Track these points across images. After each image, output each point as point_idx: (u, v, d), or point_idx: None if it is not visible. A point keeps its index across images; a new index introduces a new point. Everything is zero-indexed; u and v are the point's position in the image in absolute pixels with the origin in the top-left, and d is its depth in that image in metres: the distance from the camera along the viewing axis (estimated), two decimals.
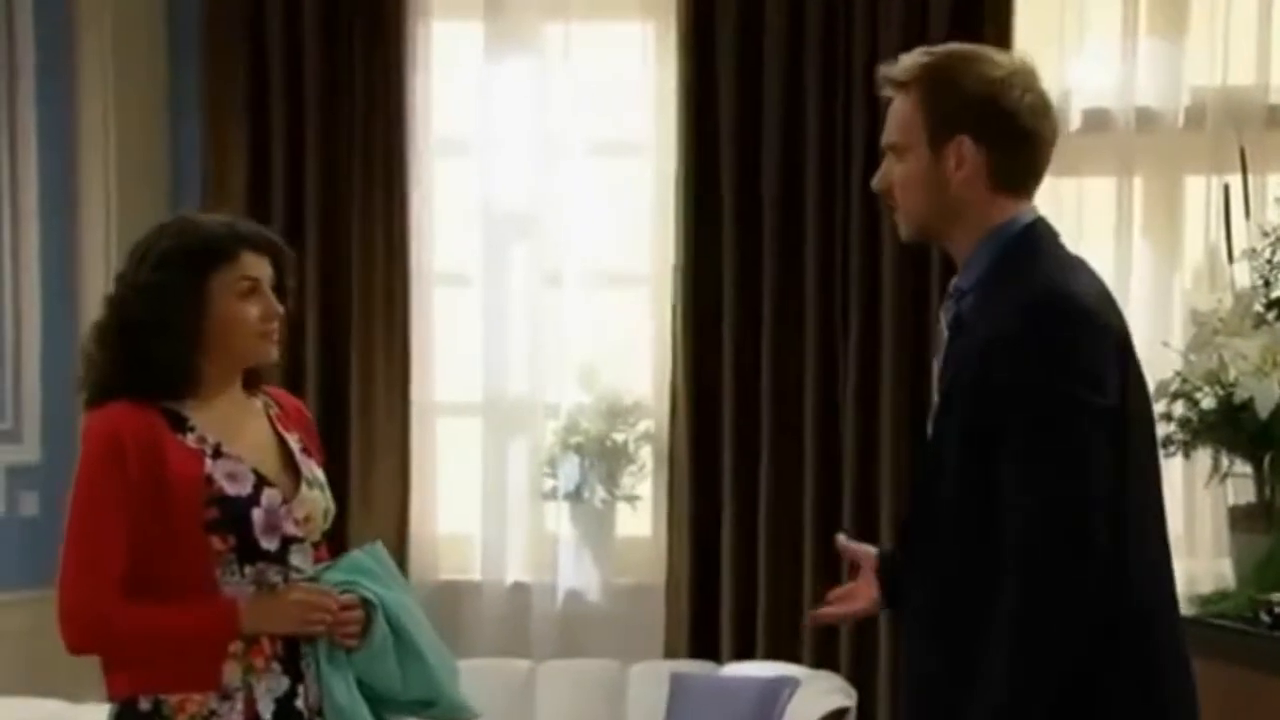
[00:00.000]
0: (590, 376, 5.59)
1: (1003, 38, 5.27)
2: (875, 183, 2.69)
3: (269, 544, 2.94)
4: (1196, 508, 5.21)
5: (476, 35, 5.61)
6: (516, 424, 5.61)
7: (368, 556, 3.03)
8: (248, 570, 2.93)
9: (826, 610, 2.86)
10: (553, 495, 5.58)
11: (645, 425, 5.59)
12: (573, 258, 5.61)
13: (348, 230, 5.59)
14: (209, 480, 2.91)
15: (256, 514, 2.93)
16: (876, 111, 5.26)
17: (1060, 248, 2.62)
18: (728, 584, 5.42)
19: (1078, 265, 2.60)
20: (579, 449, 5.53)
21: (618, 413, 5.55)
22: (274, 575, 2.95)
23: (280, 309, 3.02)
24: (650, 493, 5.59)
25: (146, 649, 2.90)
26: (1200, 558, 5.19)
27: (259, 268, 3.01)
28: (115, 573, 2.86)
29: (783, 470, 5.40)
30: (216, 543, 2.90)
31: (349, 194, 5.59)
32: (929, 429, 2.62)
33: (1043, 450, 2.42)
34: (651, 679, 5.26)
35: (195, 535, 2.89)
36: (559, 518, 5.59)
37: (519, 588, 5.58)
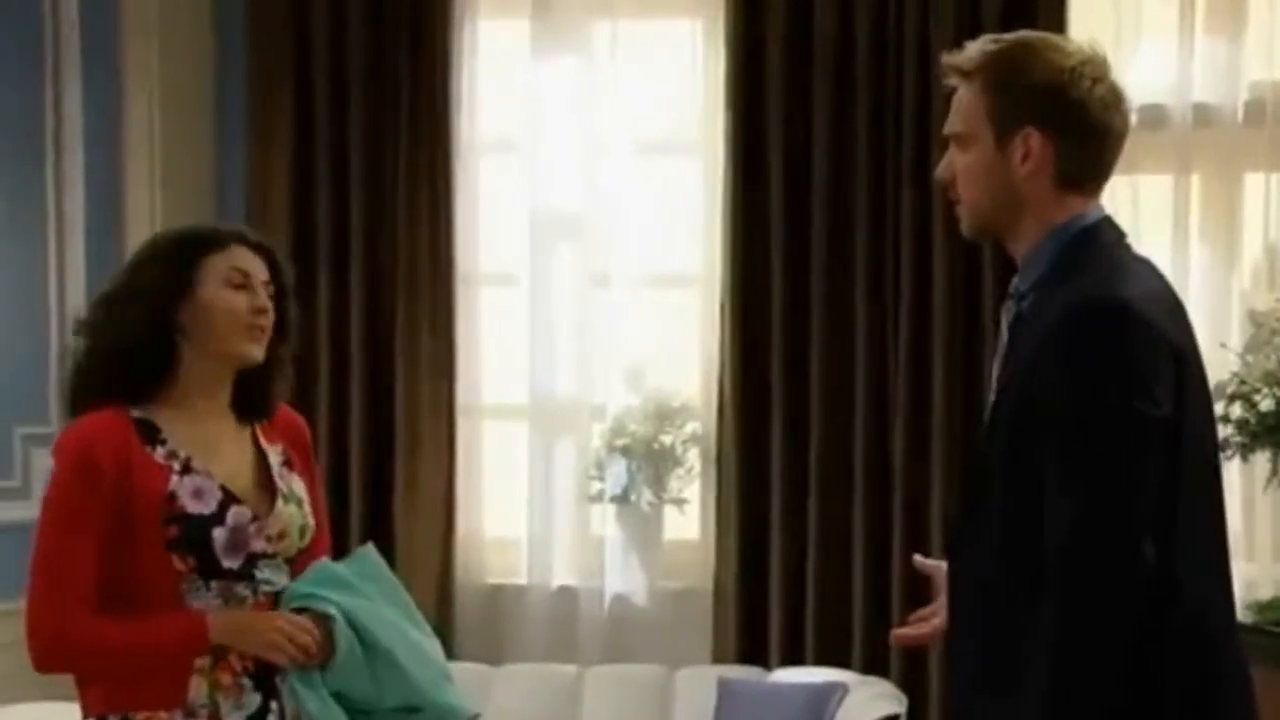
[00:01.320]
0: (637, 378, 5.54)
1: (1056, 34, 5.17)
2: (938, 173, 2.60)
3: (231, 562, 2.85)
4: (1256, 511, 5.11)
5: (523, 33, 5.57)
6: (563, 426, 5.56)
7: (345, 565, 2.96)
8: (213, 585, 2.85)
9: (906, 631, 2.76)
10: (599, 498, 5.52)
11: (693, 427, 5.53)
12: (620, 258, 5.56)
13: (393, 231, 5.55)
14: (171, 497, 2.83)
15: (219, 533, 2.84)
16: (928, 110, 5.21)
17: (1124, 250, 2.53)
18: (776, 588, 5.35)
19: (1140, 269, 2.51)
20: (626, 451, 5.48)
21: (665, 414, 5.50)
22: (242, 589, 2.87)
23: (268, 305, 2.92)
24: (698, 495, 5.53)
25: (112, 665, 2.83)
26: (1259, 562, 5.10)
27: (252, 264, 2.94)
28: (83, 590, 2.79)
29: (832, 472, 5.33)
30: (176, 562, 2.82)
31: (394, 194, 5.55)
32: (983, 435, 2.55)
33: (1085, 461, 2.33)
34: (699, 684, 5.20)
35: (157, 552, 2.81)
36: (605, 521, 5.54)
37: (565, 591, 5.54)
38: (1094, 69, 2.50)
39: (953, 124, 2.56)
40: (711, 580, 5.45)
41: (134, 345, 2.86)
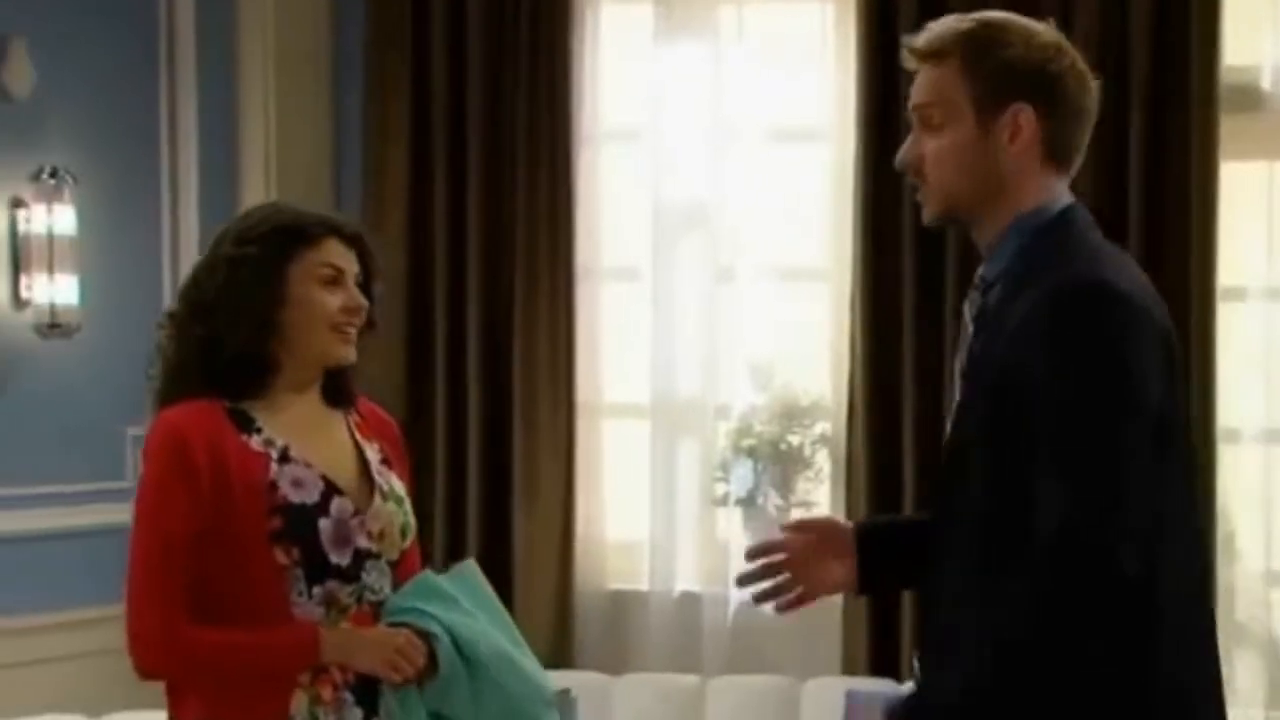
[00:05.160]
0: (764, 376, 5.38)
1: (1210, 15, 4.97)
2: (901, 156, 2.50)
3: (339, 558, 2.73)
4: None
5: (646, 18, 5.42)
6: (686, 426, 5.40)
7: (447, 579, 2.84)
8: (315, 590, 2.72)
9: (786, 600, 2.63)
10: (724, 501, 5.38)
11: (822, 427, 5.36)
12: (746, 251, 5.39)
13: (511, 223, 5.42)
14: (273, 486, 2.70)
15: (324, 524, 2.73)
16: None
17: (1098, 235, 2.44)
18: (909, 595, 5.12)
19: (1117, 256, 2.45)
20: (752, 452, 5.34)
21: (793, 414, 5.35)
22: (346, 596, 2.75)
23: (363, 302, 2.82)
24: (827, 499, 5.35)
25: (218, 672, 2.70)
26: None
27: (344, 258, 2.82)
28: (186, 591, 2.66)
29: None
30: (280, 555, 2.69)
31: (513, 185, 5.42)
32: (947, 430, 2.47)
33: (1077, 447, 2.23)
34: (827, 696, 5.03)
35: (260, 547, 2.68)
36: (730, 524, 5.37)
37: (688, 598, 5.37)
38: (1066, 48, 2.48)
39: (921, 104, 2.48)
40: None
41: (234, 351, 2.76)
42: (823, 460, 5.36)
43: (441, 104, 5.45)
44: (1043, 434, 2.26)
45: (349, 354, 2.82)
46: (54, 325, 4.91)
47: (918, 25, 5.39)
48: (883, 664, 5.18)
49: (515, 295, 5.40)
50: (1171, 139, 5.00)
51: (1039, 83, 2.42)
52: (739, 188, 5.39)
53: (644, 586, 5.41)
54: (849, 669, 5.21)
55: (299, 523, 2.71)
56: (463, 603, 2.81)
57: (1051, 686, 2.24)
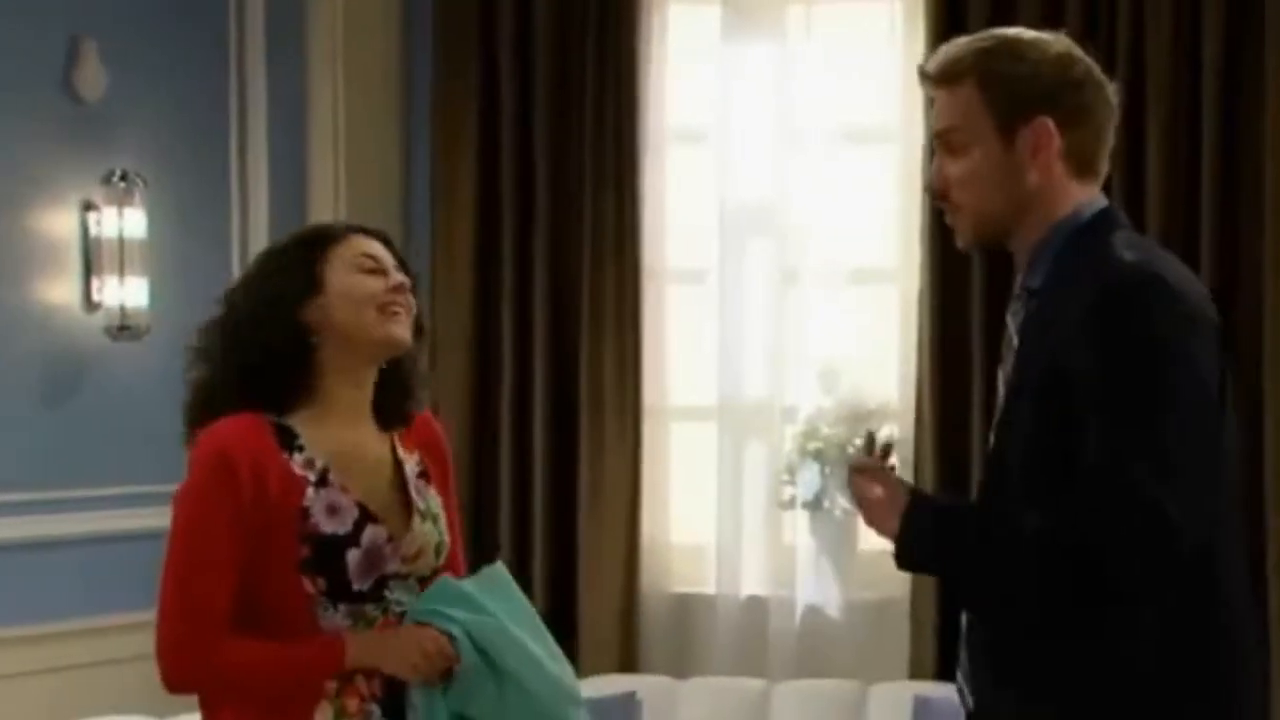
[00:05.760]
0: (831, 378, 5.32)
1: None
2: (928, 183, 2.50)
3: (361, 585, 2.69)
4: None
5: (713, 18, 5.39)
6: (753, 429, 5.36)
7: (470, 581, 2.80)
8: (341, 606, 2.69)
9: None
10: (791, 504, 5.33)
11: (889, 430, 5.24)
12: (814, 252, 5.35)
13: (578, 224, 5.41)
14: (305, 513, 2.66)
15: (352, 555, 2.68)
16: (1130, 93, 4.93)
17: (1137, 235, 2.45)
18: None
19: (1161, 252, 2.42)
20: (819, 455, 5.27)
21: (860, 417, 5.26)
22: (372, 610, 2.71)
23: (406, 282, 2.76)
24: None
25: (245, 686, 2.68)
26: None
27: (379, 250, 2.77)
28: (217, 606, 2.63)
29: None
30: (306, 583, 2.66)
31: (580, 186, 5.41)
32: (991, 440, 2.44)
33: (1129, 449, 2.22)
34: (894, 701, 4.99)
35: (288, 572, 2.65)
36: (797, 528, 5.33)
37: (755, 602, 5.34)
38: (1079, 55, 2.47)
39: (943, 128, 2.48)
40: (908, 591, 5.19)
41: (269, 359, 2.70)
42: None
43: (509, 106, 5.45)
44: (1093, 421, 2.25)
45: (402, 332, 2.74)
46: (123, 328, 4.94)
47: (988, 24, 5.39)
48: (950, 669, 5.04)
49: (582, 298, 5.39)
50: (1245, 136, 4.95)
51: (1057, 94, 2.43)
52: (806, 188, 5.35)
53: (710, 590, 5.38)
54: (916, 674, 5.16)
55: (327, 554, 2.67)
56: (485, 604, 2.77)
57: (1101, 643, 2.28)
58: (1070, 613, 2.31)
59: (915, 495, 2.44)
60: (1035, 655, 2.37)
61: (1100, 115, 2.47)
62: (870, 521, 2.48)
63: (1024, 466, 2.34)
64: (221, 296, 2.82)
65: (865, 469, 2.51)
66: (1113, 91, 2.49)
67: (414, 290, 2.80)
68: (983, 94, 2.43)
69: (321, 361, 2.73)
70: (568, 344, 5.41)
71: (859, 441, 2.55)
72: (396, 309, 2.74)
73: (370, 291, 2.73)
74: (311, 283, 2.72)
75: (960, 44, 2.48)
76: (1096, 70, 2.48)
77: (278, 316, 2.71)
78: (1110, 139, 2.50)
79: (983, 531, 2.37)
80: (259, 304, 2.73)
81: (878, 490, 2.46)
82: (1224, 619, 2.35)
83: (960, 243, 2.51)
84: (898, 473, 2.56)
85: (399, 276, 2.76)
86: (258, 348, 2.71)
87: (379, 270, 2.75)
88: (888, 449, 2.57)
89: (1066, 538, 2.26)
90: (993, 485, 2.42)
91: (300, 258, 2.74)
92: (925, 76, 2.49)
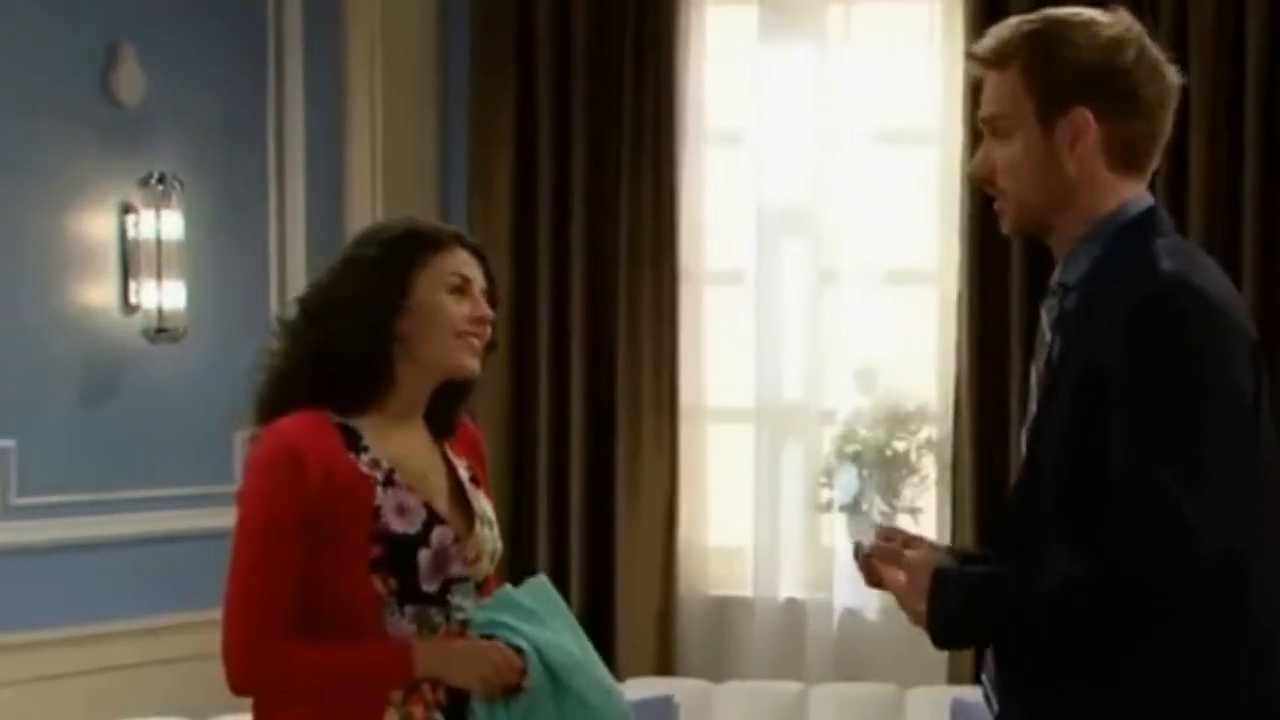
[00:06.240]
0: (869, 380, 5.29)
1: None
2: (973, 169, 2.44)
3: (430, 586, 2.68)
4: None
5: (750, 18, 5.36)
6: (790, 430, 5.33)
7: (524, 592, 2.79)
8: (407, 609, 2.67)
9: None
10: (828, 507, 5.29)
11: (928, 432, 5.26)
12: (851, 253, 5.32)
13: (615, 225, 5.39)
14: (377, 512, 2.64)
15: (423, 555, 2.67)
16: (1190, 95, 4.86)
17: (1179, 239, 2.37)
18: None
19: (1201, 259, 2.35)
20: (857, 458, 5.24)
21: (898, 419, 5.25)
22: (436, 616, 2.70)
23: (490, 314, 2.74)
24: (933, 505, 5.27)
25: (311, 690, 2.66)
26: None
27: (472, 269, 2.75)
28: (283, 607, 2.62)
29: None
30: (378, 583, 2.64)
31: (617, 187, 5.39)
32: (1023, 441, 2.40)
33: (1156, 453, 2.17)
34: (932, 705, 4.95)
35: (359, 573, 2.63)
36: (835, 530, 5.30)
37: (792, 605, 5.31)
38: (1134, 39, 2.36)
39: (988, 112, 2.41)
40: None
41: (348, 355, 2.68)
42: (928, 466, 5.27)
43: (546, 108, 5.43)
44: (1120, 422, 2.21)
45: (474, 364, 2.74)
46: (161, 330, 4.95)
47: None
48: None
49: (619, 299, 5.37)
50: None
51: (1099, 83, 2.33)
52: (844, 189, 5.32)
53: (747, 593, 5.35)
54: (954, 678, 5.11)
55: (399, 554, 2.66)
56: (543, 618, 2.77)
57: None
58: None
59: (937, 575, 2.35)
60: (1063, 667, 2.33)
61: (1150, 106, 2.36)
62: (901, 606, 2.42)
63: (1056, 464, 2.29)
64: (310, 283, 2.81)
65: (884, 556, 2.43)
66: (1173, 79, 2.39)
67: (494, 317, 2.78)
68: (1025, 79, 2.35)
69: (396, 368, 2.72)
70: (605, 345, 5.40)
71: (866, 540, 2.48)
72: (474, 339, 2.73)
73: (452, 317, 2.71)
74: (402, 291, 2.70)
75: (1010, 25, 2.40)
76: (1153, 56, 2.37)
77: (362, 317, 2.68)
78: (1164, 131, 2.39)
79: (1011, 597, 2.30)
80: (345, 297, 2.70)
81: (900, 576, 2.39)
82: (1261, 628, 2.30)
83: (1004, 229, 2.45)
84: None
85: (484, 307, 2.75)
86: (336, 342, 2.69)
87: (466, 292, 2.73)
88: (890, 532, 2.52)
89: (1095, 581, 2.22)
90: (1027, 483, 2.37)
91: (397, 261, 2.70)
92: (974, 58, 2.42)
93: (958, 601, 2.33)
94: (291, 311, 2.78)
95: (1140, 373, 2.21)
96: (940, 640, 2.39)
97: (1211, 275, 2.34)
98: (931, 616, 2.34)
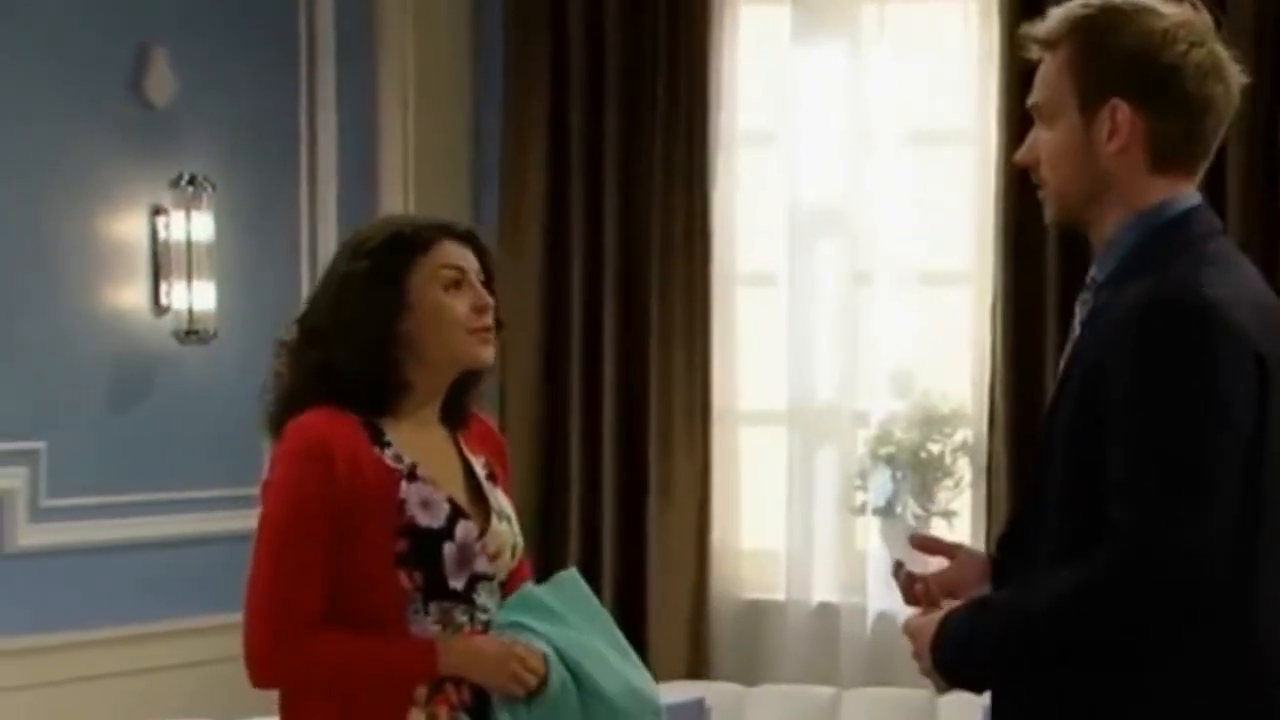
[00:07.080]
0: (904, 382, 5.25)
1: None
2: (1019, 155, 2.37)
3: (456, 582, 2.66)
4: None
5: (784, 18, 5.32)
6: (824, 433, 5.30)
7: (548, 590, 2.77)
8: (432, 608, 2.65)
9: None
10: (862, 510, 5.25)
11: (963, 435, 5.22)
12: (885, 255, 5.27)
13: (647, 226, 5.36)
14: (401, 506, 2.62)
15: (449, 549, 2.65)
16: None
17: (1218, 244, 2.28)
18: None
19: (1233, 267, 2.27)
20: (891, 460, 5.20)
21: (933, 422, 5.21)
22: (460, 615, 2.68)
23: (490, 300, 2.72)
24: (968, 508, 5.22)
25: (334, 684, 2.65)
26: None
27: (463, 258, 2.73)
28: (308, 601, 2.60)
29: None
30: (403, 578, 2.63)
31: (649, 189, 5.36)
32: (1043, 441, 2.35)
33: (1152, 480, 2.13)
34: (964, 711, 4.81)
35: (385, 568, 2.61)
36: (869, 534, 5.26)
37: (826, 609, 5.27)
38: (1191, 32, 2.26)
39: (1034, 97, 2.35)
40: None
41: (349, 375, 2.66)
42: (963, 469, 5.22)
43: (578, 108, 5.41)
44: (1121, 443, 2.17)
45: (488, 355, 2.73)
46: (191, 331, 4.95)
47: None
48: None
49: (651, 300, 5.34)
50: None
51: (1142, 76, 2.26)
52: (878, 190, 5.27)
53: (780, 596, 5.32)
54: None
55: (425, 547, 2.65)
56: (566, 616, 2.75)
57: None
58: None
59: (939, 629, 2.34)
60: (1065, 682, 2.28)
61: (1200, 104, 2.28)
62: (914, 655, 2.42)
63: (1064, 462, 2.25)
64: (306, 300, 2.79)
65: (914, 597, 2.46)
66: (1234, 80, 2.29)
67: (495, 299, 2.75)
68: (1071, 66, 2.29)
69: (406, 373, 2.70)
70: (637, 347, 5.37)
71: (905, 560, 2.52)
72: (483, 330, 2.71)
73: (456, 314, 2.69)
74: (399, 299, 2.68)
75: (1068, 7, 2.32)
76: (1211, 54, 2.27)
77: (358, 335, 2.67)
78: (1216, 131, 2.31)
79: (1007, 620, 2.28)
80: (341, 318, 2.68)
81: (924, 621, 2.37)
82: (1261, 641, 2.23)
83: (1046, 219, 2.40)
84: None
85: (484, 294, 2.72)
86: (336, 363, 2.67)
87: (462, 283, 2.71)
88: (927, 541, 2.58)
89: (1091, 599, 2.18)
90: (1041, 478, 2.33)
91: (387, 272, 2.68)
92: (1029, 38, 2.35)
93: (952, 650, 2.33)
94: (291, 334, 2.75)
95: (1133, 378, 2.17)
96: (947, 677, 2.39)
97: (1241, 286, 2.26)
98: (936, 665, 2.35)
